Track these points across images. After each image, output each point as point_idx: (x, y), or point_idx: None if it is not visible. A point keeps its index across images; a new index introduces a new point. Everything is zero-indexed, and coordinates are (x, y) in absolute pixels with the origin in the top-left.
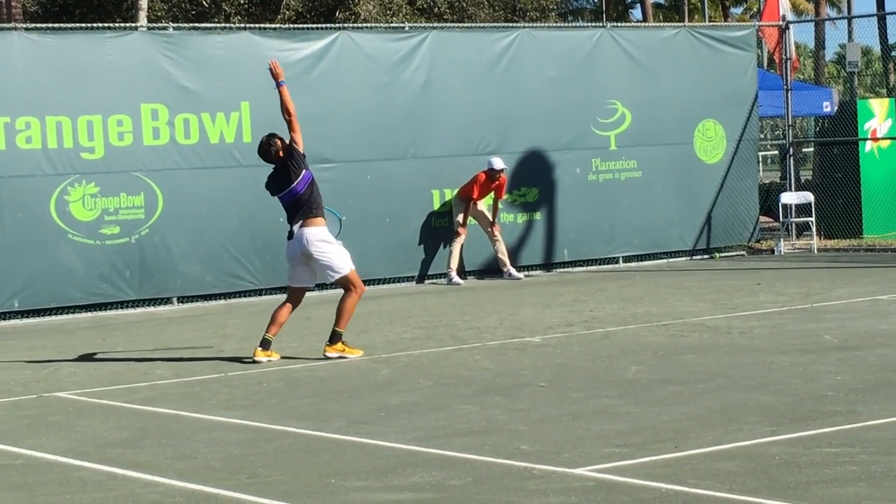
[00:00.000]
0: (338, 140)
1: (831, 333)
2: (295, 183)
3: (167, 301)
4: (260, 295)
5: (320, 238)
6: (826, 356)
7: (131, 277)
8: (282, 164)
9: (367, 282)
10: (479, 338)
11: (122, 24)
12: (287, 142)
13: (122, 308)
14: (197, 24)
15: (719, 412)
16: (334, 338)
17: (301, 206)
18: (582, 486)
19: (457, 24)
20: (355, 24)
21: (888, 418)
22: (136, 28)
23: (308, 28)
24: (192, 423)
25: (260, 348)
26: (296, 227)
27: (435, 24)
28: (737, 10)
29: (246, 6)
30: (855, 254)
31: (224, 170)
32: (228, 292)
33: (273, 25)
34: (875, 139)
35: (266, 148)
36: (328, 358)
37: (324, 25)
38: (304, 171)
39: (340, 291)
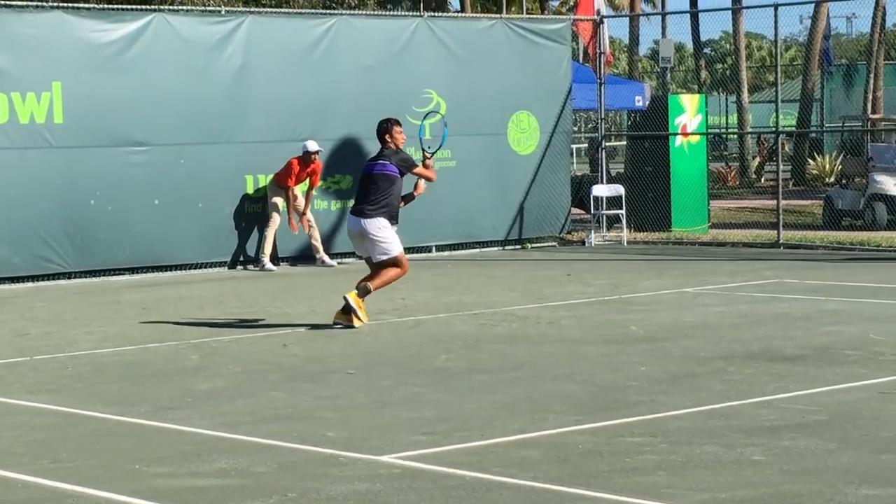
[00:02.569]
0: (151, 123)
1: (638, 325)
2: (384, 164)
3: None
4: (70, 278)
5: (378, 226)
6: (632, 347)
7: None
8: (385, 149)
9: (178, 266)
10: (289, 324)
11: None
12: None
13: None
14: (8, 2)
15: (526, 401)
16: (363, 292)
17: (377, 193)
18: (388, 473)
19: (274, 10)
20: (171, 7)
21: (689, 408)
22: None
23: (122, 9)
24: None
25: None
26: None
27: (252, 9)
28: (554, 3)
29: None
30: (663, 247)
31: (34, 150)
32: (37, 275)
33: (87, 5)
34: (685, 134)
35: (383, 127)
36: (345, 300)
37: (139, 7)
38: (396, 168)
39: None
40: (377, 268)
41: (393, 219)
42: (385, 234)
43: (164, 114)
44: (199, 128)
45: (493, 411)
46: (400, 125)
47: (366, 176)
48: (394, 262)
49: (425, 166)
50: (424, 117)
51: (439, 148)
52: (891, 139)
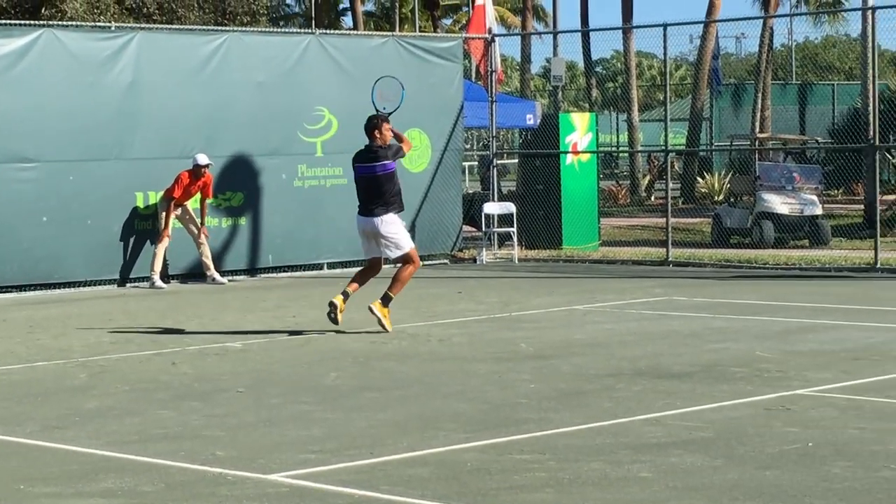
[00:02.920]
0: (40, 139)
1: (528, 342)
2: (384, 165)
3: None
4: None
5: (392, 222)
6: (522, 364)
7: None
8: (377, 146)
9: (66, 284)
10: (179, 342)
11: None
12: (395, 138)
13: None
14: None
15: (416, 419)
16: (385, 300)
17: (379, 191)
18: (276, 492)
19: (165, 26)
20: (61, 22)
21: (578, 426)
22: None
23: (10, 24)
24: None
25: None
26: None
27: (143, 25)
28: (447, 22)
29: None
30: (554, 264)
31: None
32: None
33: None
34: (575, 152)
35: (373, 124)
36: (371, 311)
37: (27, 22)
38: (393, 164)
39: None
40: (373, 269)
41: (402, 210)
42: (397, 229)
43: (52, 130)
44: (89, 144)
45: (382, 429)
46: (388, 122)
47: (368, 177)
48: (407, 258)
49: (402, 141)
50: (377, 81)
51: (396, 109)
52: (778, 158)
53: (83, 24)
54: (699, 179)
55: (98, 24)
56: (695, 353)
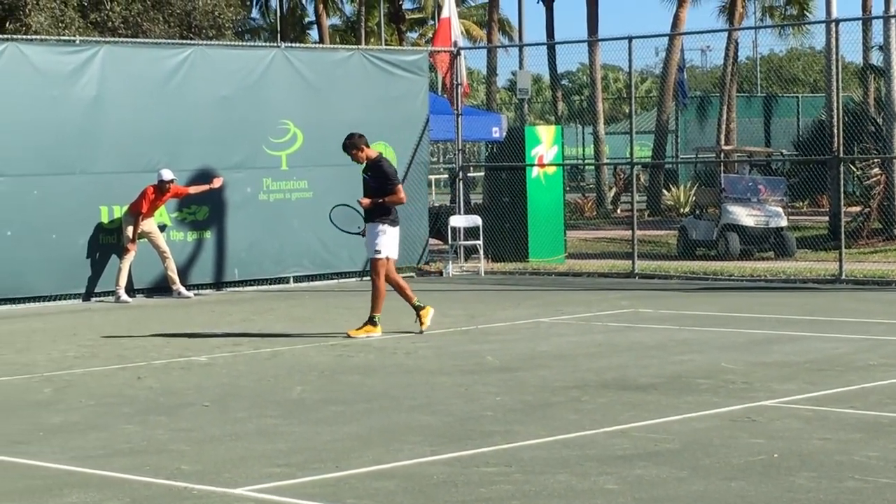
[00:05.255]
0: (3, 153)
1: (494, 355)
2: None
3: None
4: None
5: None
6: (487, 377)
7: None
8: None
9: (31, 299)
10: (144, 357)
11: None
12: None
13: None
14: None
15: (381, 432)
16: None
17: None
18: None
19: (130, 40)
20: (25, 36)
21: (544, 438)
22: None
23: None
24: None
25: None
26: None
27: (108, 39)
28: (413, 35)
29: None
30: (520, 277)
31: None
32: None
33: None
34: (541, 165)
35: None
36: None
37: None
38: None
39: None
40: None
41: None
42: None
43: (16, 144)
44: (53, 158)
45: (348, 442)
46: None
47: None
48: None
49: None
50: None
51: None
52: (744, 170)
53: (48, 37)
54: (665, 192)
55: (63, 37)
56: (660, 365)
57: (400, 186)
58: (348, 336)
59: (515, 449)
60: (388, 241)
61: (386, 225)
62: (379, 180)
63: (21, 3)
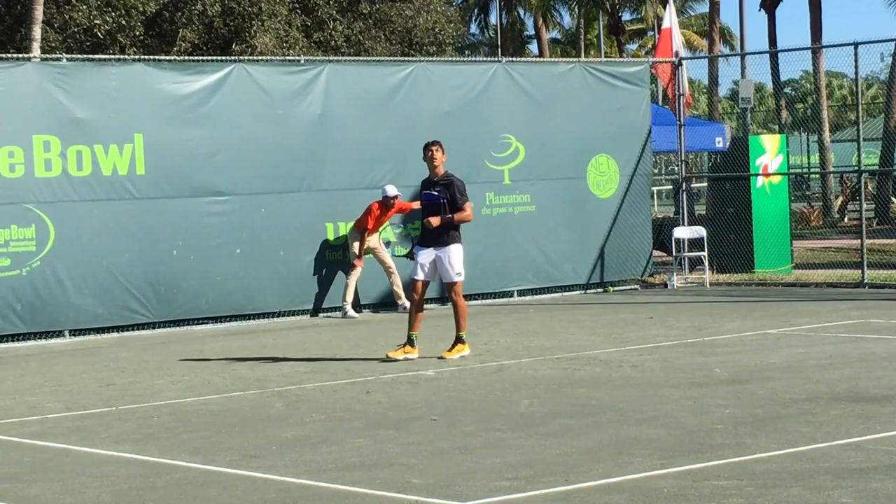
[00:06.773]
0: (232, 173)
1: (721, 367)
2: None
3: (59, 334)
4: (153, 328)
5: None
6: (716, 390)
7: (22, 310)
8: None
9: (260, 315)
10: (372, 371)
11: (15, 56)
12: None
13: (12, 341)
14: (91, 56)
15: (610, 445)
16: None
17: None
18: None
19: (353, 58)
20: (251, 57)
21: (776, 451)
22: (28, 59)
23: (203, 60)
24: (82, 458)
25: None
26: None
27: (331, 58)
28: (632, 47)
29: (141, 38)
30: (746, 288)
31: (117, 202)
32: (121, 325)
33: (168, 57)
34: (766, 175)
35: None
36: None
37: (219, 58)
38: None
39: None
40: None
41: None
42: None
43: (244, 163)
44: (279, 176)
45: (576, 456)
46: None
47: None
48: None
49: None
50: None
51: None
52: None
53: (273, 58)
54: (894, 199)
55: (287, 58)
56: (894, 377)
57: (470, 203)
58: (441, 358)
59: (747, 462)
60: (462, 260)
61: (460, 244)
62: (451, 195)
63: (247, 25)
